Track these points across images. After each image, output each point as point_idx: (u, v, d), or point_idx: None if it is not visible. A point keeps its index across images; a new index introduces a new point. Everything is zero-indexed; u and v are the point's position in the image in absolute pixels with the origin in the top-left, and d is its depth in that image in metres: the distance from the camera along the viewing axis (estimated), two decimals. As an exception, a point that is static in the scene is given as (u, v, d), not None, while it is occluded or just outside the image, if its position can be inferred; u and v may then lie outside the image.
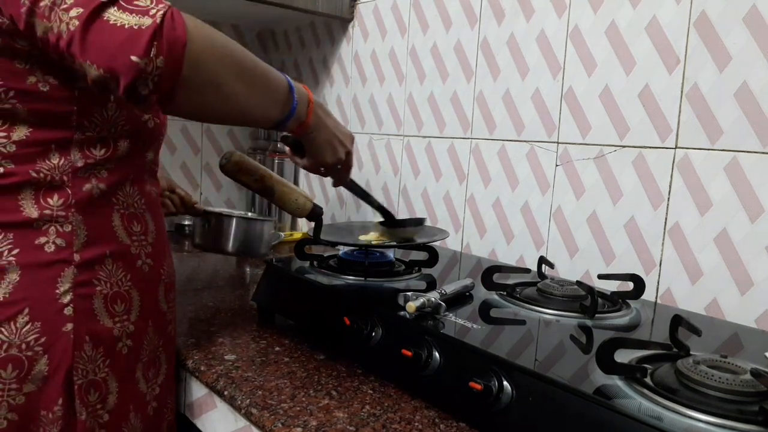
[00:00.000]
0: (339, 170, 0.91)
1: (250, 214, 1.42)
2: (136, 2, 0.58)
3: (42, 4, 0.60)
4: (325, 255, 1.11)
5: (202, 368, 0.87)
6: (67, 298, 0.71)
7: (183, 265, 1.45)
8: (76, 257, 0.72)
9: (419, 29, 1.46)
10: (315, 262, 1.07)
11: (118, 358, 0.76)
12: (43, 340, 0.70)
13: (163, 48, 0.57)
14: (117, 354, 0.76)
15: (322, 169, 0.89)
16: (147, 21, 0.57)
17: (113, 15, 0.57)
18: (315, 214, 1.00)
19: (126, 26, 0.57)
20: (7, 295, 0.69)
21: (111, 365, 0.76)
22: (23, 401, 0.69)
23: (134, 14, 0.57)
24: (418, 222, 1.11)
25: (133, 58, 0.56)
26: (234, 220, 1.23)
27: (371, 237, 1.10)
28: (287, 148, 0.92)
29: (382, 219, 1.08)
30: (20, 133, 0.69)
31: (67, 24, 0.58)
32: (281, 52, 1.97)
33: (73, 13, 0.58)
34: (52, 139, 0.70)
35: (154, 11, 0.58)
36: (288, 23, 1.90)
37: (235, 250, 1.24)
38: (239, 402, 0.78)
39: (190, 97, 0.63)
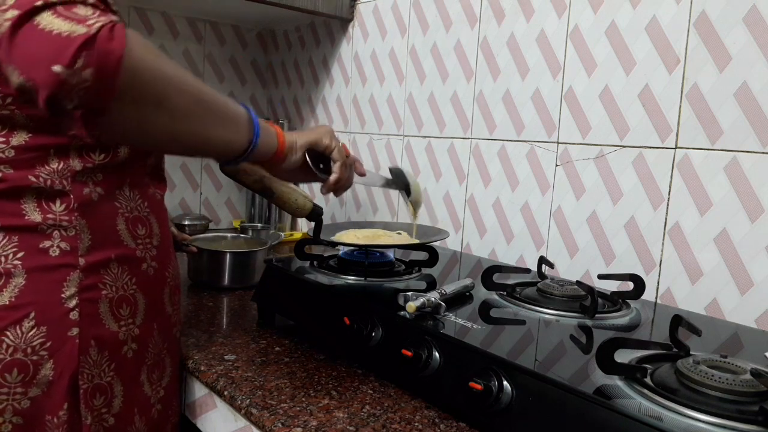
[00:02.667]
0: (349, 164, 0.86)
1: (242, 236, 1.42)
2: (75, 10, 0.53)
3: None
4: (325, 255, 1.11)
5: (202, 368, 0.87)
6: (72, 303, 0.71)
7: (182, 266, 1.44)
8: (81, 261, 0.72)
9: (419, 29, 1.46)
10: (315, 262, 1.07)
11: (124, 362, 0.76)
12: (48, 344, 0.70)
13: (92, 60, 0.51)
14: (122, 358, 0.76)
15: (338, 166, 0.83)
16: (80, 29, 0.52)
17: (45, 20, 0.52)
18: (315, 214, 1.00)
19: (54, 32, 0.52)
20: (13, 299, 0.69)
21: (116, 369, 0.76)
22: (28, 405, 0.69)
23: (69, 21, 0.52)
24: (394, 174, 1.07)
25: (55, 68, 0.51)
26: (228, 255, 1.24)
27: (346, 237, 1.10)
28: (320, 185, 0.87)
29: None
30: (19, 138, 0.69)
31: (1, 26, 0.54)
32: (281, 52, 1.97)
33: (9, 14, 0.53)
34: (51, 144, 0.70)
35: (92, 21, 0.53)
36: (288, 23, 1.90)
37: (232, 285, 1.26)
38: (239, 402, 0.78)
39: (127, 115, 0.56)
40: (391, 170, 1.06)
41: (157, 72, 0.57)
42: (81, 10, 0.54)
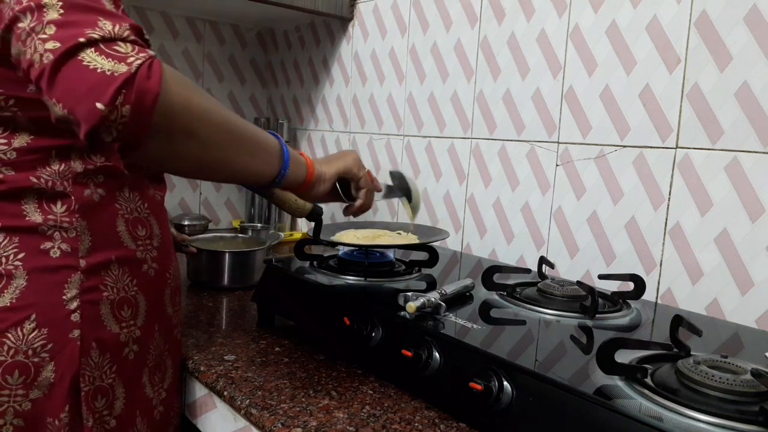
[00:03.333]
0: (372, 190, 0.90)
1: (241, 236, 1.42)
2: (116, 47, 0.55)
3: (20, 25, 0.57)
4: (325, 255, 1.11)
5: (202, 368, 0.87)
6: (74, 305, 0.71)
7: (182, 266, 1.44)
8: (82, 263, 0.72)
9: (419, 29, 1.46)
10: (315, 262, 1.07)
11: (125, 364, 0.76)
12: (49, 346, 0.70)
13: (131, 97, 0.54)
14: (124, 359, 0.76)
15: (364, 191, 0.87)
16: (121, 68, 0.54)
17: (89, 56, 0.54)
18: (315, 214, 1.00)
19: (98, 70, 0.54)
20: (14, 301, 0.68)
21: (118, 371, 0.75)
22: (29, 407, 0.69)
23: (111, 59, 0.54)
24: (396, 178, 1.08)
25: (98, 105, 0.53)
26: (227, 255, 1.24)
27: (346, 237, 1.10)
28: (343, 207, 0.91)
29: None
30: (21, 140, 0.69)
31: (41, 55, 0.55)
32: (281, 51, 1.97)
33: (50, 45, 0.55)
34: (52, 146, 0.70)
35: (132, 59, 0.55)
36: (288, 23, 1.90)
37: (231, 285, 1.26)
38: (239, 402, 0.78)
39: (160, 147, 0.59)
40: (391, 174, 1.06)
41: (190, 106, 0.60)
42: (121, 48, 0.56)
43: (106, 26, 0.56)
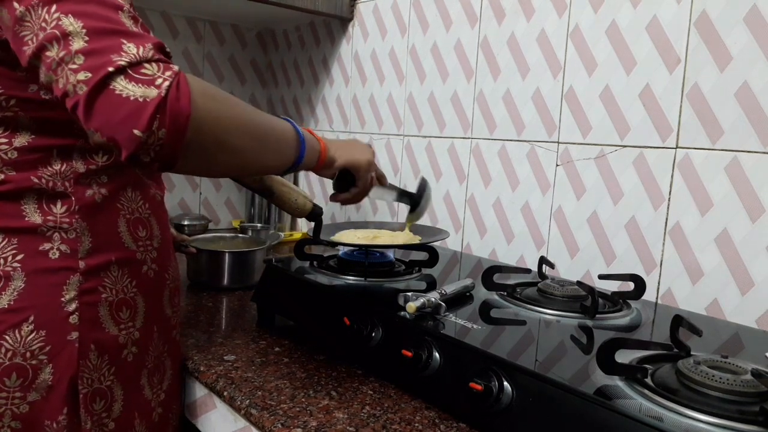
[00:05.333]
0: (366, 190, 0.95)
1: (241, 236, 1.42)
2: (143, 71, 0.58)
3: (48, 54, 0.58)
4: (325, 255, 1.11)
5: (202, 368, 0.87)
6: (72, 306, 0.71)
7: (182, 266, 1.44)
8: (81, 264, 0.72)
9: (419, 29, 1.46)
10: (315, 263, 1.07)
11: (124, 366, 0.76)
12: (47, 348, 0.69)
13: (166, 121, 0.57)
14: (122, 361, 0.76)
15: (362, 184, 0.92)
16: (152, 93, 0.57)
17: (120, 84, 0.56)
18: (315, 214, 1.00)
19: (131, 98, 0.56)
20: (12, 302, 0.68)
21: (116, 373, 0.75)
22: (27, 410, 0.69)
23: (141, 84, 0.57)
24: (421, 187, 1.10)
25: (136, 131, 0.56)
26: (227, 255, 1.24)
27: (346, 237, 1.10)
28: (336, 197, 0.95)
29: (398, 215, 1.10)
30: (22, 139, 0.69)
31: (74, 86, 0.57)
32: (281, 51, 1.97)
33: (81, 76, 0.57)
34: (54, 146, 0.70)
35: (160, 80, 0.57)
36: (288, 23, 1.90)
37: (231, 285, 1.26)
38: (239, 402, 0.77)
39: (194, 160, 0.62)
40: (420, 180, 1.09)
41: (219, 119, 0.63)
42: (148, 70, 0.58)
43: (131, 50, 0.58)
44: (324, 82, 1.79)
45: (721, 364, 0.64)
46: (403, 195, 1.06)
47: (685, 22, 0.99)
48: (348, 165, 0.88)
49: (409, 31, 1.49)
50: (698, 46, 0.97)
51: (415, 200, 1.07)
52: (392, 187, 1.04)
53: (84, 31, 0.58)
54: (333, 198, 0.95)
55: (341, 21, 1.69)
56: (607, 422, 0.58)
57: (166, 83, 0.58)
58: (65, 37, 0.58)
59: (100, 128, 0.58)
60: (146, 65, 0.58)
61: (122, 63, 0.57)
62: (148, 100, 0.56)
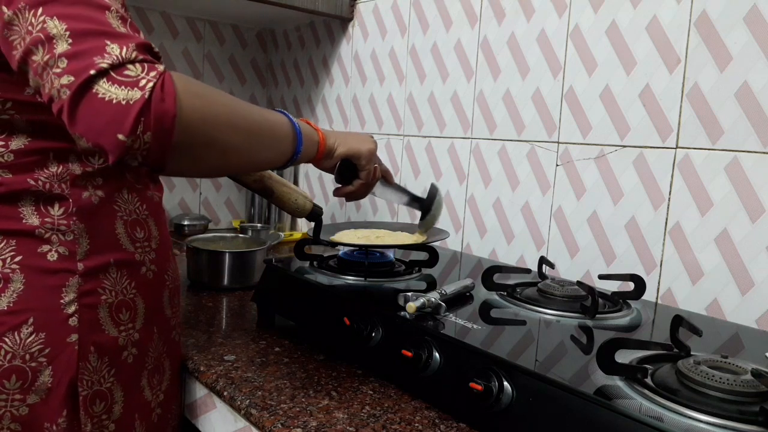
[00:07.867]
0: (371, 184, 0.92)
1: (241, 236, 1.42)
2: (126, 72, 0.56)
3: (35, 58, 0.57)
4: (325, 255, 1.11)
5: (202, 368, 0.87)
6: (71, 309, 0.71)
7: (181, 266, 1.44)
8: (80, 266, 0.72)
9: (419, 29, 1.46)
10: (315, 263, 1.07)
11: (124, 367, 0.76)
12: (47, 351, 0.69)
13: (150, 124, 0.55)
14: (122, 363, 0.76)
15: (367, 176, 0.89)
16: (135, 95, 0.55)
17: (102, 88, 0.55)
18: (315, 214, 1.00)
19: (114, 101, 0.55)
20: (11, 304, 0.68)
21: (116, 375, 0.75)
22: (26, 412, 0.69)
23: (124, 87, 0.55)
24: (432, 193, 1.08)
25: (120, 136, 0.55)
26: (227, 255, 1.24)
27: (346, 237, 1.10)
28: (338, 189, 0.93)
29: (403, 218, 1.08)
30: (18, 142, 0.69)
31: (59, 91, 0.56)
32: (281, 51, 1.97)
33: (65, 80, 0.55)
34: (50, 148, 0.70)
35: (144, 82, 0.56)
36: (288, 23, 1.90)
37: (231, 285, 1.26)
38: (239, 402, 0.77)
39: (185, 161, 0.61)
40: (431, 186, 1.06)
41: (205, 118, 0.61)
42: (131, 71, 0.56)
43: (114, 51, 0.56)
44: (324, 82, 1.79)
45: (721, 364, 0.64)
46: (413, 200, 1.04)
47: (685, 22, 0.99)
48: (349, 154, 0.85)
49: (409, 31, 1.49)
50: (698, 46, 0.97)
51: (426, 206, 1.05)
52: (401, 189, 1.02)
53: (68, 33, 0.57)
54: (337, 192, 0.91)
55: (341, 21, 1.69)
56: (607, 422, 0.58)
57: (150, 84, 0.56)
58: (49, 40, 0.57)
59: (85, 133, 0.56)
60: (129, 66, 0.56)
61: (104, 65, 0.55)
62: (131, 102, 0.55)
